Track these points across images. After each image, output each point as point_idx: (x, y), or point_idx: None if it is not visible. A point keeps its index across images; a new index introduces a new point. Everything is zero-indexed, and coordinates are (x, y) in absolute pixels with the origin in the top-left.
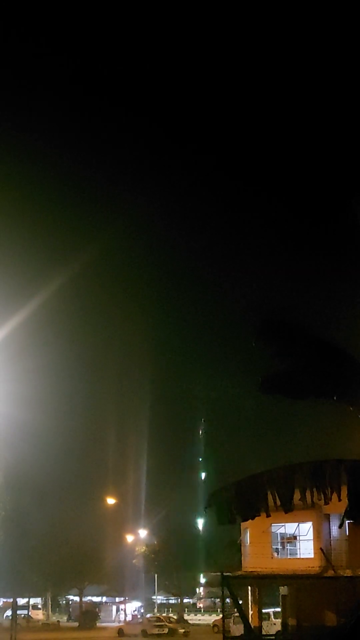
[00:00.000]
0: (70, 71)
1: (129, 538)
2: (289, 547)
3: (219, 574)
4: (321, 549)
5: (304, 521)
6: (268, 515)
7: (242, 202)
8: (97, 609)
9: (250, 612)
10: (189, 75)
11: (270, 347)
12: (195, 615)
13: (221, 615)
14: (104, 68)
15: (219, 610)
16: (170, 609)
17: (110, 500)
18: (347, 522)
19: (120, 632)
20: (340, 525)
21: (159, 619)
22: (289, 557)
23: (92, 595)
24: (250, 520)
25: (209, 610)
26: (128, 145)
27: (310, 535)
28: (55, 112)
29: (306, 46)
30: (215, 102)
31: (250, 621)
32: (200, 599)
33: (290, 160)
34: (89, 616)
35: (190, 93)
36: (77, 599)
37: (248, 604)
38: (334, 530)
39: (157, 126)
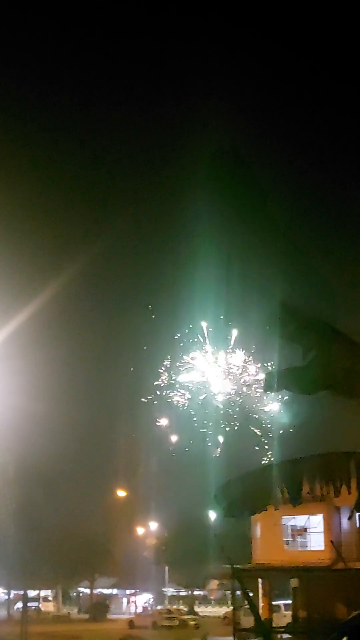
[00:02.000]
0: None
1: (140, 530)
2: (299, 540)
3: (229, 566)
4: (332, 541)
5: (314, 514)
6: (276, 509)
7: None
8: (107, 601)
9: (261, 605)
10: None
11: (285, 331)
12: (206, 607)
13: (232, 608)
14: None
15: (229, 602)
16: (181, 601)
17: (121, 493)
18: (357, 514)
19: (130, 624)
20: (350, 517)
21: (169, 611)
22: (299, 549)
23: (103, 588)
24: (260, 513)
25: (219, 602)
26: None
27: (321, 528)
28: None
29: None
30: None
31: (260, 613)
32: (210, 591)
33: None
34: (99, 608)
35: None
36: (87, 591)
37: (258, 596)
38: (345, 522)
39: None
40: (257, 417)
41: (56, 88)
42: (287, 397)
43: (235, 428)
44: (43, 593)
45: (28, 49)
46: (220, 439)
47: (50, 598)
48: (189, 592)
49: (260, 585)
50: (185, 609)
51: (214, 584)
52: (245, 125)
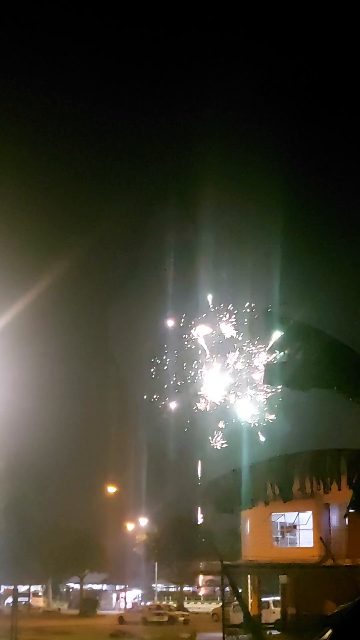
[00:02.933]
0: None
1: (130, 526)
2: (288, 537)
3: (219, 562)
4: (321, 538)
5: (303, 510)
6: (266, 505)
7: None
8: (97, 597)
9: (250, 601)
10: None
11: (273, 338)
12: (195, 603)
13: (221, 604)
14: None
15: (218, 598)
16: (170, 597)
17: (111, 489)
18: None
19: (120, 619)
20: (346, 515)
21: (158, 607)
22: (288, 546)
23: (93, 583)
24: (250, 509)
25: (208, 598)
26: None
27: (310, 525)
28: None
29: None
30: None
31: (249, 610)
32: (199, 587)
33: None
34: (89, 604)
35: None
36: (77, 586)
37: (248, 592)
38: (334, 519)
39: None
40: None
41: (56, 87)
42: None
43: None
44: (33, 588)
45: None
46: (221, 424)
47: (40, 593)
48: (178, 588)
49: (249, 582)
50: (175, 605)
51: (203, 580)
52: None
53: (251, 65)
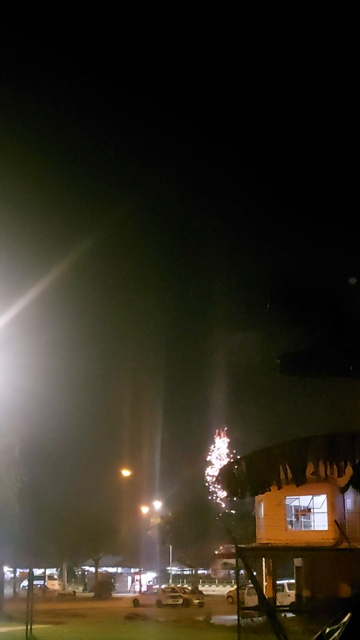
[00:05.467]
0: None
1: (144, 510)
2: (303, 520)
3: (233, 545)
4: (335, 521)
5: (318, 494)
6: (280, 488)
7: (256, 161)
8: (112, 580)
9: (265, 584)
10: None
11: (285, 312)
12: (210, 586)
13: (235, 587)
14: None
15: (233, 581)
16: (185, 580)
17: (126, 472)
18: None
19: (135, 602)
20: (343, 491)
21: (173, 590)
22: (303, 529)
23: (108, 566)
24: (263, 494)
25: (223, 581)
26: (137, 112)
27: (325, 508)
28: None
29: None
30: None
31: (264, 592)
32: (214, 570)
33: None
34: (104, 587)
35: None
36: (92, 569)
37: (262, 575)
38: (349, 502)
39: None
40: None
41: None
42: None
43: None
44: (49, 571)
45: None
46: None
47: (55, 576)
48: (193, 571)
49: (264, 565)
50: (189, 588)
51: (218, 563)
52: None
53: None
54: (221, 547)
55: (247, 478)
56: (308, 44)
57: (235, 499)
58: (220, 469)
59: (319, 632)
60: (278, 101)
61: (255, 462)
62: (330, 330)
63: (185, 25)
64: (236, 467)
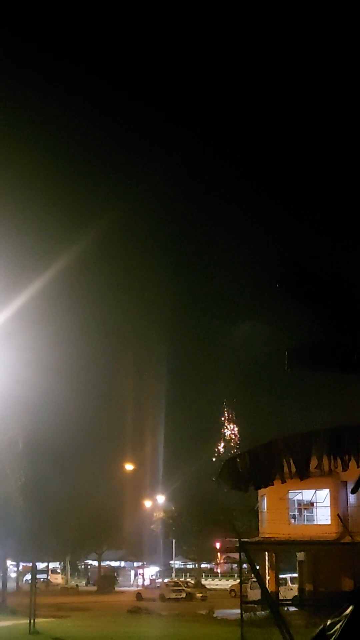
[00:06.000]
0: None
1: (147, 504)
2: (306, 514)
3: (236, 539)
4: (338, 515)
5: (321, 488)
6: (283, 482)
7: (262, 146)
8: (115, 574)
9: (267, 578)
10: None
11: (294, 292)
12: (213, 580)
13: (238, 581)
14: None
15: (236, 575)
16: (188, 574)
17: (129, 467)
18: None
19: (138, 596)
20: (353, 491)
21: (176, 584)
22: (305, 523)
23: (111, 560)
24: (266, 487)
25: (226, 575)
26: (137, 109)
27: (328, 502)
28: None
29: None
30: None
31: (267, 586)
32: (217, 564)
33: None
34: (107, 580)
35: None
36: (95, 563)
37: (265, 569)
38: (351, 497)
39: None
40: None
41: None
42: None
43: None
44: (52, 565)
45: None
46: None
47: (58, 570)
48: (196, 565)
49: (267, 559)
50: (192, 582)
51: (220, 557)
52: None
53: None
54: (224, 541)
55: (251, 471)
56: (308, 47)
57: (241, 490)
58: (224, 462)
59: (321, 626)
60: (278, 88)
61: (260, 455)
62: (337, 317)
63: (186, 26)
64: (240, 460)
